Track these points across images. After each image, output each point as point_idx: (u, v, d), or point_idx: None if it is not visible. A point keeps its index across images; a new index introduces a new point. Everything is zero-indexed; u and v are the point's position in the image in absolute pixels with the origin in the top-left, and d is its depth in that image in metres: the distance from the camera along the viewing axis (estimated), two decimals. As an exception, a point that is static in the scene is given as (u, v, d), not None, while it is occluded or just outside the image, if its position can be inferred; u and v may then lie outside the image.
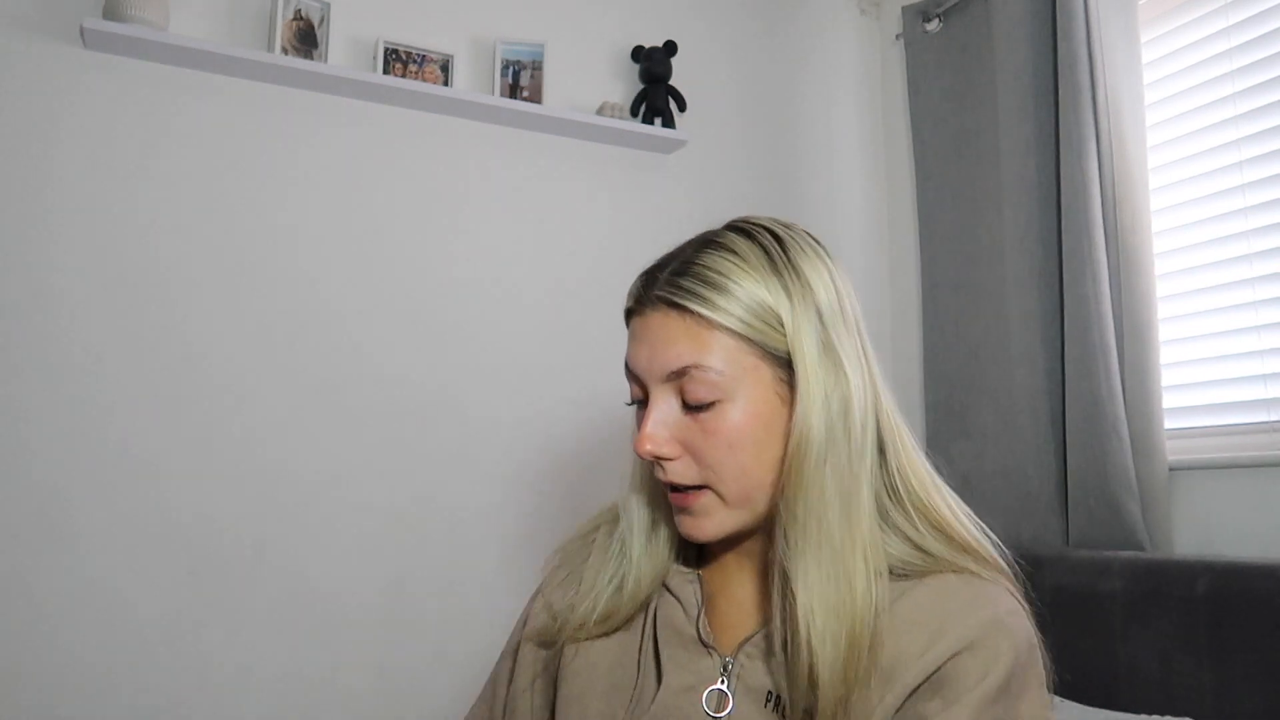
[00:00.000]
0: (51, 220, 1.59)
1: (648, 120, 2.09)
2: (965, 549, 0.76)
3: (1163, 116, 1.87)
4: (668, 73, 2.09)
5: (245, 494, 1.67)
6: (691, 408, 0.73)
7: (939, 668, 0.70)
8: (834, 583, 0.70)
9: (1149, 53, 1.88)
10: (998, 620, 0.72)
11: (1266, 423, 1.65)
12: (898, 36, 2.43)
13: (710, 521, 0.76)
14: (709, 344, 0.72)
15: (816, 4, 2.44)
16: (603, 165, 2.09)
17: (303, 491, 1.72)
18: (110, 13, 1.60)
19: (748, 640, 0.77)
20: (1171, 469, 1.72)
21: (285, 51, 1.74)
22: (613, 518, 0.91)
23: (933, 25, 2.28)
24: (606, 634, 0.83)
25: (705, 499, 0.75)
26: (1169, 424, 1.75)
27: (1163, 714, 1.41)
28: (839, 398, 0.73)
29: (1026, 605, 0.77)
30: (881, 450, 0.77)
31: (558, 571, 0.92)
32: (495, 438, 1.90)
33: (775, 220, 0.80)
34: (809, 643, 0.69)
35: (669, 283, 0.74)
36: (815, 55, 2.42)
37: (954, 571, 0.75)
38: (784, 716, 0.73)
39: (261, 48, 1.75)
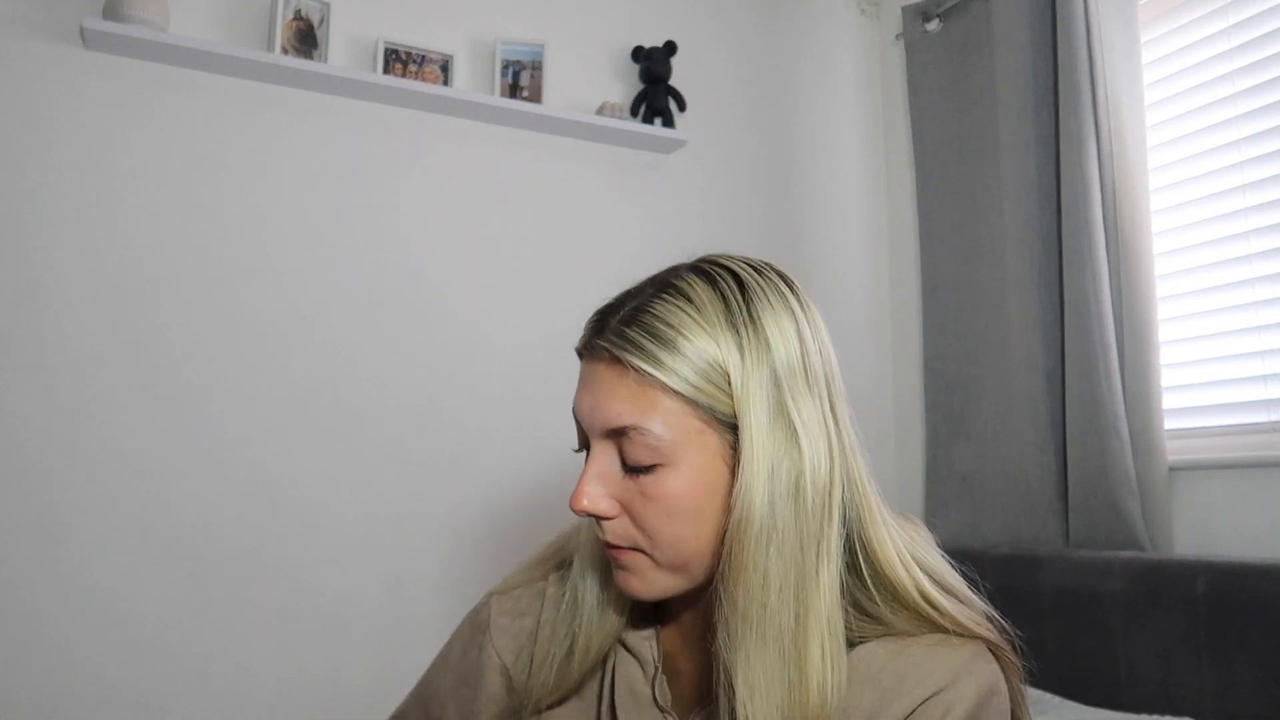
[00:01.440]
0: (51, 220, 1.59)
1: (648, 120, 2.09)
2: (923, 619, 0.69)
3: (1163, 116, 1.87)
4: (668, 73, 2.09)
5: (243, 497, 1.67)
6: (631, 469, 0.68)
7: (908, 716, 0.65)
8: (781, 681, 0.64)
9: (1149, 53, 1.89)
10: (968, 666, 0.66)
11: (1266, 423, 1.65)
12: (898, 36, 2.43)
13: (641, 581, 0.70)
14: (652, 405, 0.66)
15: (816, 4, 2.44)
16: (603, 165, 2.09)
17: (300, 495, 1.72)
18: (110, 13, 1.60)
19: (704, 706, 0.73)
20: (1171, 469, 1.72)
21: (285, 51, 1.74)
22: (560, 560, 0.85)
23: (933, 25, 2.29)
24: (560, 702, 0.78)
25: (639, 560, 0.70)
26: (1169, 424, 1.75)
27: (1163, 714, 1.41)
28: (788, 469, 0.65)
29: (1008, 664, 0.70)
30: (846, 523, 0.69)
31: (505, 620, 0.86)
32: (492, 440, 1.90)
33: (745, 262, 0.72)
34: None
35: (616, 332, 0.68)
36: (815, 55, 2.43)
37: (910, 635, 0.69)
38: None
39: (261, 48, 1.75)
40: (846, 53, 2.48)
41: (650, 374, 0.66)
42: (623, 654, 0.77)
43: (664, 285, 0.70)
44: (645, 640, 0.77)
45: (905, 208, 2.39)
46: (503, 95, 1.94)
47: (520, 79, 1.96)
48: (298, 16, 1.76)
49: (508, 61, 1.96)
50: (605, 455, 0.69)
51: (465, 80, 1.97)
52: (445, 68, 1.90)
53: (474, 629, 0.88)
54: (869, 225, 2.43)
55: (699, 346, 0.66)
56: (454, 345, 1.89)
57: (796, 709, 0.63)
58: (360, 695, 1.70)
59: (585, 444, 0.72)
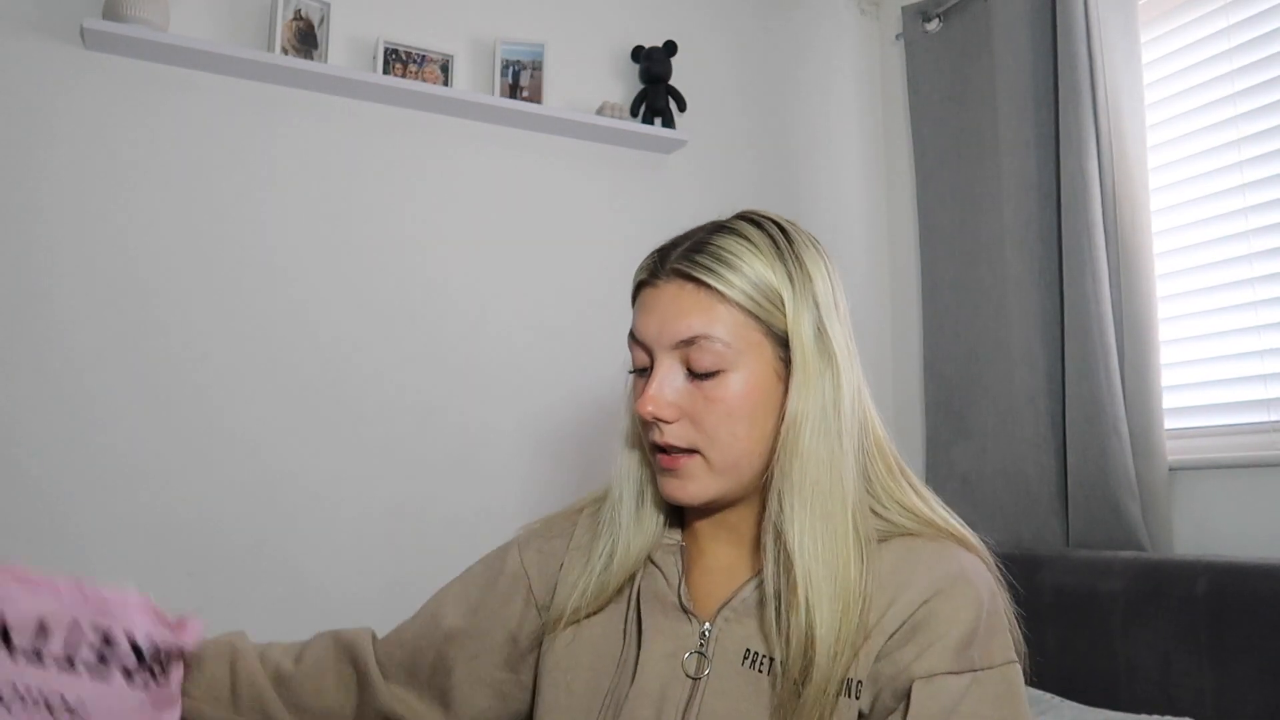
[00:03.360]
0: (51, 220, 1.59)
1: (648, 120, 2.09)
2: (927, 522, 0.81)
3: (1163, 116, 1.87)
4: (668, 73, 2.09)
5: (244, 495, 1.67)
6: (696, 375, 0.78)
7: (910, 615, 0.74)
8: (829, 546, 0.75)
9: (1149, 53, 1.88)
10: (962, 571, 0.77)
11: (1266, 423, 1.65)
12: (898, 36, 2.43)
13: (695, 484, 0.79)
14: (718, 316, 0.77)
15: (816, 4, 2.44)
16: (603, 165, 2.09)
17: (302, 493, 1.72)
18: (110, 13, 1.60)
19: (725, 604, 0.81)
20: (1171, 469, 1.72)
21: (285, 51, 1.74)
22: (592, 502, 0.95)
23: (933, 25, 2.28)
24: (597, 611, 0.86)
25: (693, 463, 0.79)
26: (1169, 424, 1.75)
27: (1163, 714, 1.41)
28: (831, 381, 0.78)
29: (992, 568, 0.81)
30: (863, 435, 0.82)
31: (535, 540, 0.95)
32: (494, 438, 1.90)
33: (780, 216, 0.85)
34: (807, 602, 0.73)
35: (684, 257, 0.79)
36: (815, 55, 2.43)
37: (915, 535, 0.80)
38: (762, 672, 0.77)
39: (261, 48, 1.75)
40: (846, 53, 2.48)
41: (718, 288, 0.77)
42: (650, 568, 0.86)
43: (718, 227, 0.82)
44: (671, 553, 0.86)
45: (905, 208, 2.39)
46: (503, 95, 1.94)
47: (520, 79, 1.96)
48: (298, 16, 1.76)
49: (508, 61, 1.96)
50: (670, 367, 0.79)
51: (465, 80, 1.97)
52: (445, 68, 1.90)
53: (501, 548, 0.98)
54: (869, 225, 2.43)
55: (757, 271, 0.78)
56: (455, 344, 1.89)
57: (840, 572, 0.74)
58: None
59: (643, 365, 0.82)
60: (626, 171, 2.12)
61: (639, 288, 0.83)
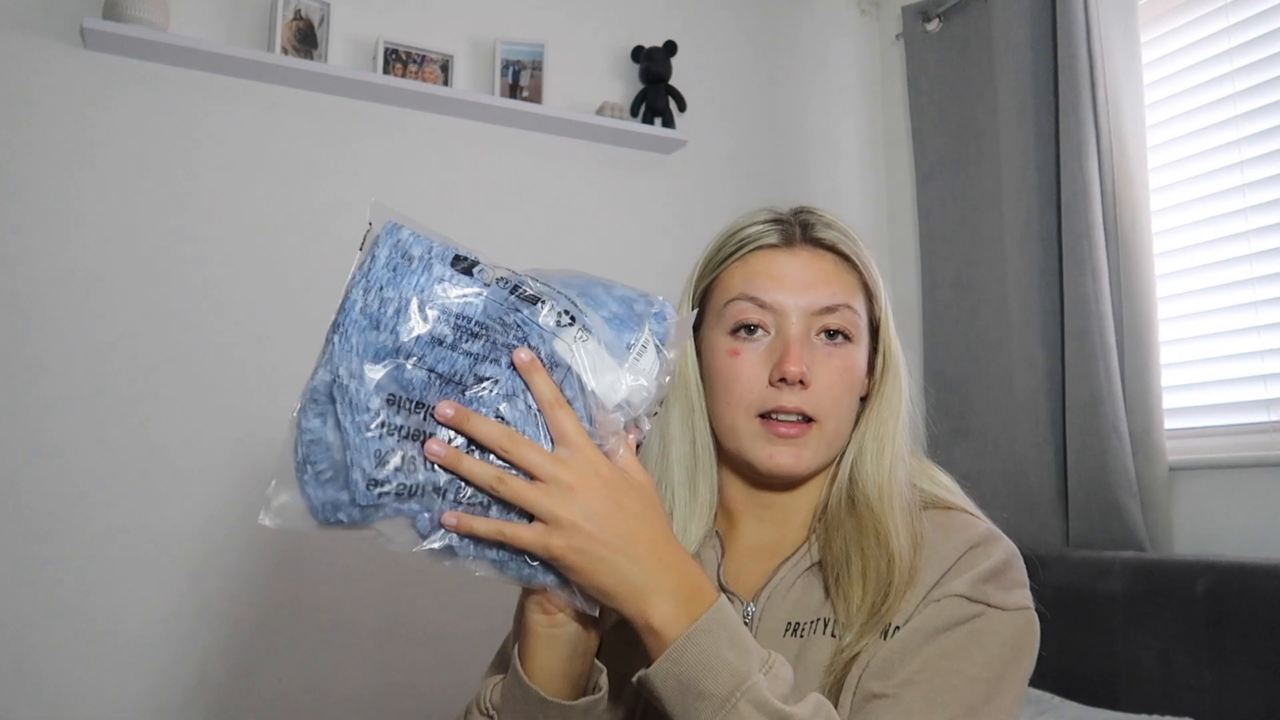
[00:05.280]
0: (51, 219, 1.59)
1: (648, 120, 2.09)
2: (953, 497, 0.87)
3: (1163, 116, 1.86)
4: (668, 73, 2.09)
5: (245, 498, 1.67)
6: (832, 334, 0.80)
7: (949, 566, 0.76)
8: (900, 494, 0.80)
9: (1149, 53, 1.88)
10: (992, 530, 0.81)
11: (1266, 423, 1.65)
12: (898, 36, 2.43)
13: (809, 453, 0.80)
14: (855, 289, 0.82)
15: (816, 4, 2.44)
16: (603, 165, 2.09)
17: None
18: (110, 13, 1.60)
19: (767, 582, 0.82)
20: (1171, 469, 1.72)
21: (285, 51, 1.74)
22: None
23: (933, 25, 2.28)
24: None
25: (812, 433, 0.80)
26: (1169, 424, 1.75)
27: (1163, 714, 1.41)
28: (904, 364, 0.85)
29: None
30: None
31: None
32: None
33: None
34: (889, 541, 0.76)
35: (821, 226, 0.83)
36: (815, 55, 2.42)
37: (947, 508, 0.84)
38: (801, 637, 0.77)
39: (261, 48, 1.75)
40: (846, 53, 2.47)
41: (860, 265, 0.82)
42: None
43: (809, 210, 0.85)
44: (709, 539, 0.86)
45: (905, 208, 2.39)
46: (503, 95, 1.94)
47: (520, 79, 1.96)
48: (298, 16, 1.76)
49: (508, 61, 1.96)
50: (805, 333, 0.80)
51: (465, 80, 1.96)
52: (445, 68, 1.90)
53: None
54: (869, 225, 2.43)
55: (868, 254, 0.84)
56: (454, 345, 1.89)
57: (909, 520, 0.79)
58: (361, 700, 1.70)
59: (761, 322, 0.81)
60: (626, 171, 2.11)
61: (756, 250, 0.84)
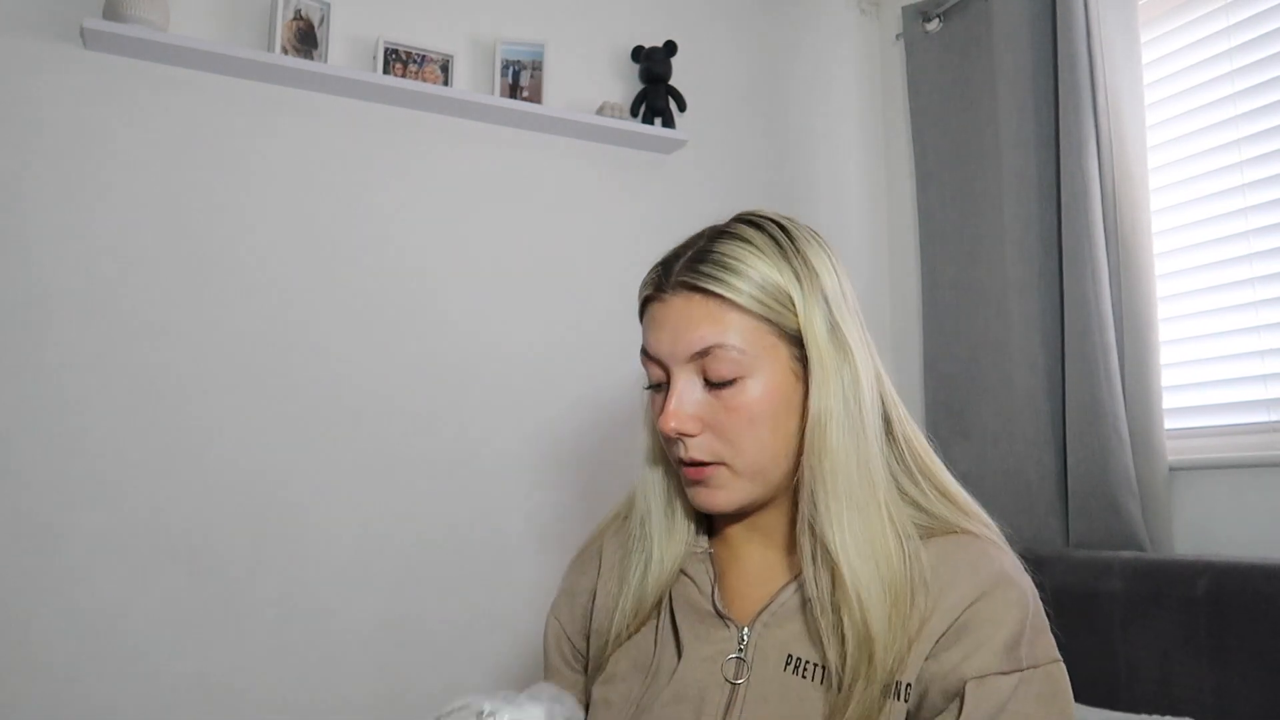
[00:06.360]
0: (49, 220, 1.59)
1: (648, 120, 2.09)
2: (965, 511, 0.82)
3: (1163, 116, 1.86)
4: (668, 73, 2.09)
5: (241, 508, 1.66)
6: (714, 385, 0.78)
7: (957, 617, 0.74)
8: (868, 541, 0.75)
9: (1149, 53, 1.88)
10: (1004, 573, 0.77)
11: (1266, 423, 1.65)
12: (898, 36, 2.43)
13: (724, 493, 0.79)
14: (730, 324, 0.77)
15: (816, 4, 2.44)
16: (603, 165, 2.09)
17: (296, 504, 1.71)
18: (110, 13, 1.60)
19: (764, 609, 0.81)
20: (1171, 469, 1.72)
21: (285, 51, 1.74)
22: (614, 521, 0.95)
23: (933, 25, 2.28)
24: (639, 629, 0.86)
25: (720, 472, 0.79)
26: (1169, 424, 1.75)
27: (1163, 714, 1.41)
28: (849, 372, 0.78)
29: (1025, 563, 0.82)
30: (887, 423, 0.82)
31: (566, 585, 0.97)
32: (493, 446, 1.89)
33: (778, 213, 0.85)
34: (859, 599, 0.73)
35: (688, 269, 0.79)
36: (815, 55, 2.42)
37: (955, 533, 0.80)
38: (807, 678, 0.76)
39: (261, 48, 1.75)
40: (846, 52, 2.48)
41: (726, 297, 0.76)
42: (681, 577, 0.86)
43: (718, 233, 0.82)
44: (701, 560, 0.86)
45: (905, 208, 2.39)
46: (503, 95, 1.94)
47: (520, 79, 1.96)
48: (298, 16, 1.76)
49: (508, 61, 1.96)
50: (687, 380, 0.78)
51: (465, 80, 1.96)
52: (445, 68, 1.90)
53: (547, 621, 0.99)
54: (869, 225, 2.43)
55: (763, 273, 0.77)
56: (454, 349, 1.89)
57: (882, 564, 0.74)
58: (360, 700, 1.70)
59: (659, 381, 0.81)
60: (626, 171, 2.11)
61: (645, 303, 0.83)
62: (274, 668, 1.65)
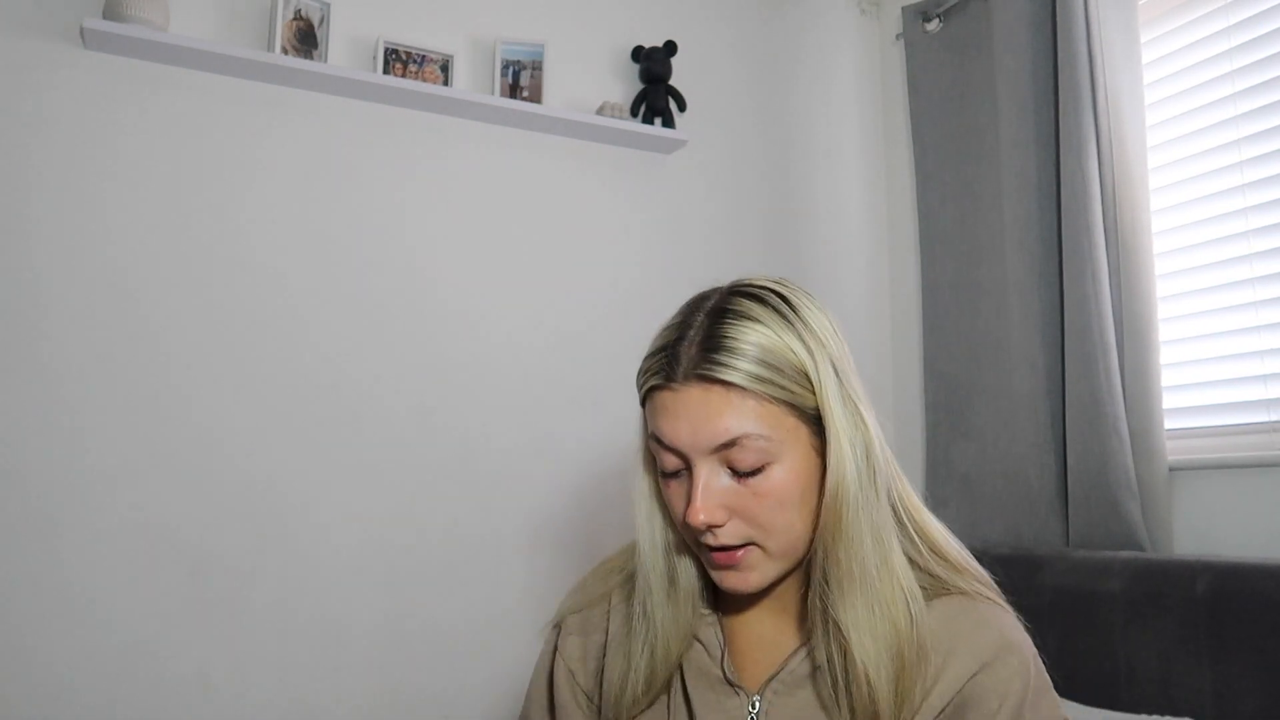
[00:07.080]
0: (50, 220, 1.59)
1: (648, 120, 2.09)
2: (959, 569, 0.82)
3: (1163, 116, 1.87)
4: (668, 73, 2.09)
5: (241, 507, 1.66)
6: (742, 474, 0.76)
7: (959, 690, 0.75)
8: (881, 619, 0.75)
9: (1149, 53, 1.88)
10: (1004, 640, 0.77)
11: (1266, 423, 1.65)
12: (898, 36, 2.43)
13: (756, 574, 0.78)
14: (753, 413, 0.74)
15: (816, 4, 2.44)
16: (603, 165, 2.09)
17: (296, 503, 1.71)
18: (110, 13, 1.59)
19: (774, 677, 0.80)
20: (1171, 469, 1.72)
21: (285, 51, 1.74)
22: (622, 577, 0.92)
23: (933, 25, 2.28)
24: (654, 701, 0.85)
25: (751, 554, 0.78)
26: (1169, 424, 1.75)
27: (1163, 714, 1.41)
28: (862, 443, 0.77)
29: (1019, 616, 0.82)
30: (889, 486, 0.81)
31: (574, 638, 0.93)
32: (494, 446, 1.89)
33: (770, 278, 0.83)
34: (868, 678, 0.73)
35: (702, 359, 0.75)
36: (815, 55, 2.42)
37: (952, 594, 0.80)
38: None
39: (261, 48, 1.75)
40: (846, 52, 2.48)
41: (747, 387, 0.74)
42: (691, 644, 0.85)
43: (719, 312, 0.78)
44: (710, 625, 0.85)
45: (905, 208, 2.39)
46: (503, 95, 1.94)
47: (520, 79, 1.96)
48: (298, 16, 1.76)
49: (508, 61, 1.96)
50: (711, 470, 0.76)
51: (465, 80, 1.96)
52: (445, 68, 1.90)
53: (546, 656, 0.96)
54: (869, 225, 2.43)
55: (778, 354, 0.75)
56: (454, 348, 1.89)
57: (891, 637, 0.74)
58: (360, 700, 1.70)
59: (676, 468, 0.79)
60: (626, 171, 2.11)
61: (651, 391, 0.79)
62: (274, 667, 1.65)
